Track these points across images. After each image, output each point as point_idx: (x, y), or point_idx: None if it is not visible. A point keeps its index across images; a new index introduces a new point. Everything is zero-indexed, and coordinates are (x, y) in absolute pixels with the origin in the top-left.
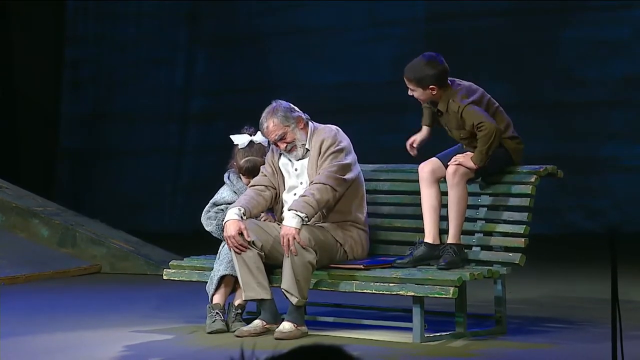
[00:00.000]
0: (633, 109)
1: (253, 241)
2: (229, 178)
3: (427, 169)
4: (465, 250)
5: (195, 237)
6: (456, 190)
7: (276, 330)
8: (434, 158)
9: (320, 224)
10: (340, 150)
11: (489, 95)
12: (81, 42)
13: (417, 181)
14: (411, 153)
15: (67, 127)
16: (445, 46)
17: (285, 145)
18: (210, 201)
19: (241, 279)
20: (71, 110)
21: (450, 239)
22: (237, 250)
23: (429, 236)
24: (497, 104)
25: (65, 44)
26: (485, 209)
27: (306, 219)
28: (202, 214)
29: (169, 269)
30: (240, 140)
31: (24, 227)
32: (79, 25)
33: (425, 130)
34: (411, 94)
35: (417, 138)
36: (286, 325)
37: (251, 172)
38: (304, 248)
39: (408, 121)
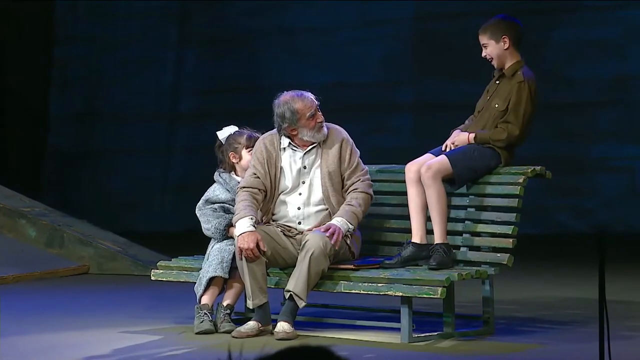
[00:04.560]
0: (622, 109)
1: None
2: (220, 176)
3: (413, 168)
4: (454, 251)
5: (184, 237)
6: (432, 189)
7: (277, 331)
8: (421, 157)
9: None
10: (358, 156)
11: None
12: (70, 41)
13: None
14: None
15: (56, 127)
16: (435, 46)
17: (322, 118)
18: (203, 198)
19: (249, 287)
20: (60, 110)
21: (437, 238)
22: (250, 260)
23: (416, 236)
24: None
25: (55, 43)
26: (473, 209)
27: (352, 230)
28: (196, 210)
29: (157, 269)
30: (226, 132)
31: (12, 227)
32: (68, 24)
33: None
34: (484, 55)
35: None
36: (285, 326)
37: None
38: (323, 256)
39: (398, 121)
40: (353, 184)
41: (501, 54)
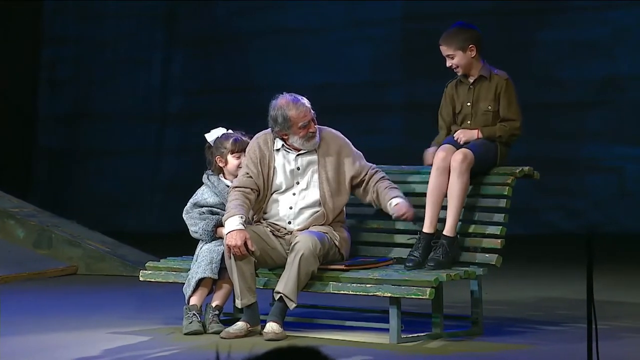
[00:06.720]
0: (611, 109)
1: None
2: (208, 179)
3: (441, 155)
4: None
5: (173, 237)
6: (463, 178)
7: (266, 331)
8: (445, 145)
9: (323, 228)
10: (361, 155)
11: None
12: (59, 42)
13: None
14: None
15: (45, 127)
16: (423, 46)
17: (315, 128)
18: (190, 201)
19: (237, 286)
20: (49, 110)
21: (448, 231)
22: (238, 258)
23: (432, 226)
24: None
25: (43, 43)
26: (462, 209)
27: None
28: (183, 213)
29: (146, 270)
30: (215, 134)
31: (0, 228)
32: (56, 25)
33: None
34: (450, 64)
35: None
36: (274, 326)
37: (243, 149)
38: (313, 257)
39: (387, 122)
40: (372, 177)
41: (468, 63)
